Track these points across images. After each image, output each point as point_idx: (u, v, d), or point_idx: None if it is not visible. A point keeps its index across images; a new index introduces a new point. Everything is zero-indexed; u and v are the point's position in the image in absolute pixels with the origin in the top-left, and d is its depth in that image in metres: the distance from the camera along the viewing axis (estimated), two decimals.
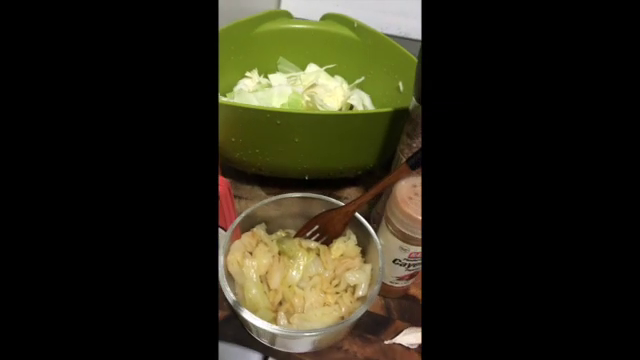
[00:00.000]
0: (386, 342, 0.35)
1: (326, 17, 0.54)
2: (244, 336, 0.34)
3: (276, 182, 0.45)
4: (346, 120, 0.36)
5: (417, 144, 0.33)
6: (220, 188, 0.32)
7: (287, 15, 0.54)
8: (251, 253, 0.34)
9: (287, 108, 0.45)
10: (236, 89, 0.50)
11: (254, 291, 0.31)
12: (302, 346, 0.32)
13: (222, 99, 0.48)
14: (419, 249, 0.31)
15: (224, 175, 0.34)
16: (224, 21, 0.49)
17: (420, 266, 0.34)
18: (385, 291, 0.37)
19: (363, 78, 0.52)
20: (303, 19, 0.54)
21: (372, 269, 0.33)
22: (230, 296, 0.29)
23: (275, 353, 0.33)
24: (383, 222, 0.33)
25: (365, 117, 0.37)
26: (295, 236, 0.36)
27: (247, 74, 0.52)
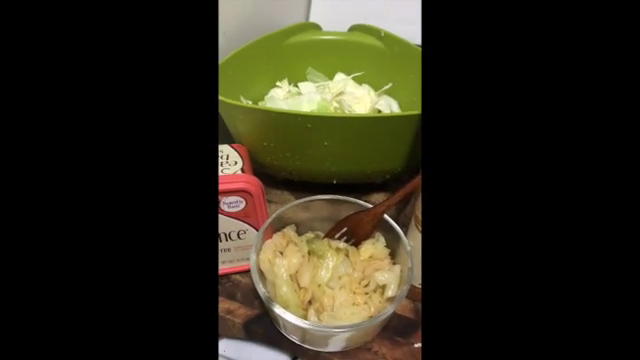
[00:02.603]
0: (415, 345, 0.34)
1: (353, 28, 0.56)
2: (274, 334, 0.34)
3: (305, 187, 0.46)
4: (375, 123, 0.37)
5: None
6: (254, 188, 0.33)
7: (316, 27, 0.56)
8: (282, 253, 0.35)
9: (317, 112, 0.46)
10: (267, 97, 0.52)
11: (285, 289, 0.32)
12: (332, 344, 0.32)
13: (254, 105, 0.49)
14: None
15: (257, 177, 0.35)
16: (256, 33, 0.51)
17: None
18: (415, 294, 0.37)
19: (391, 84, 0.53)
20: (331, 31, 0.56)
21: (401, 270, 0.33)
22: (262, 291, 0.30)
23: (304, 353, 0.34)
24: (412, 222, 0.33)
25: (394, 120, 0.37)
26: (324, 237, 0.37)
27: (278, 83, 0.54)
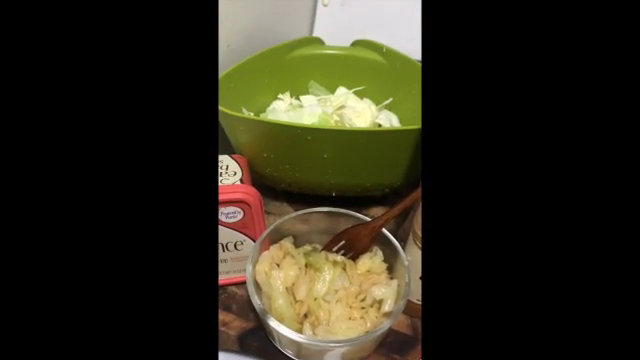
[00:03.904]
0: None
1: (356, 43, 0.56)
2: (269, 348, 0.34)
3: (304, 199, 0.46)
4: (375, 136, 0.37)
5: None
6: (252, 199, 0.33)
7: (319, 41, 0.57)
8: (278, 265, 0.35)
9: (317, 124, 0.47)
10: (269, 109, 0.53)
11: (280, 301, 0.32)
12: (327, 359, 0.32)
13: (255, 117, 0.50)
14: None
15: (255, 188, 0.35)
16: (260, 46, 0.52)
17: None
18: (412, 310, 0.36)
19: (391, 99, 0.54)
20: (334, 45, 0.57)
21: (398, 285, 0.33)
22: (257, 303, 0.29)
23: None
24: (410, 237, 0.33)
25: (393, 134, 0.38)
26: (322, 250, 0.36)
27: (280, 96, 0.55)
